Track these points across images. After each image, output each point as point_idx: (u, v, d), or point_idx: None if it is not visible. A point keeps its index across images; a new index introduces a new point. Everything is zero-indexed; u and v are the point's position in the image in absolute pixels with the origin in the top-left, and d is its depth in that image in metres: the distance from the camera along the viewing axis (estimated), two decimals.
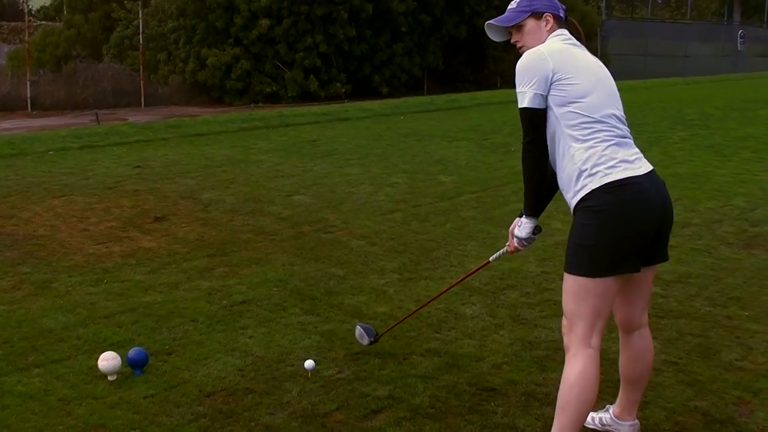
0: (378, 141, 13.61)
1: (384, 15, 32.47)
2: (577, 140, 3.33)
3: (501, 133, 14.55)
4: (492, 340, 4.94)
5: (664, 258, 3.66)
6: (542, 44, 3.48)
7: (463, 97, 20.56)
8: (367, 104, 18.95)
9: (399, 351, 4.75)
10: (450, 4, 34.83)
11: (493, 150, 12.73)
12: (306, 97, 30.39)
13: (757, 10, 56.53)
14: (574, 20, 3.64)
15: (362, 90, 31.98)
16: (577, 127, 3.34)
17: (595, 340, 3.39)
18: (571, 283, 3.39)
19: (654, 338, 4.96)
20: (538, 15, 3.52)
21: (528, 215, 3.73)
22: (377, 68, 33.30)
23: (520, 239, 3.81)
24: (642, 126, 15.51)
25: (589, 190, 3.31)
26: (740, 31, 41.50)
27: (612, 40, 40.39)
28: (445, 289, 4.94)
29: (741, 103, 19.87)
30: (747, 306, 5.59)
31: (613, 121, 3.37)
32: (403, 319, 4.88)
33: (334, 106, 18.62)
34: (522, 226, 3.76)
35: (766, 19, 49.67)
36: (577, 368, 3.33)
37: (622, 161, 3.30)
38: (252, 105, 26.44)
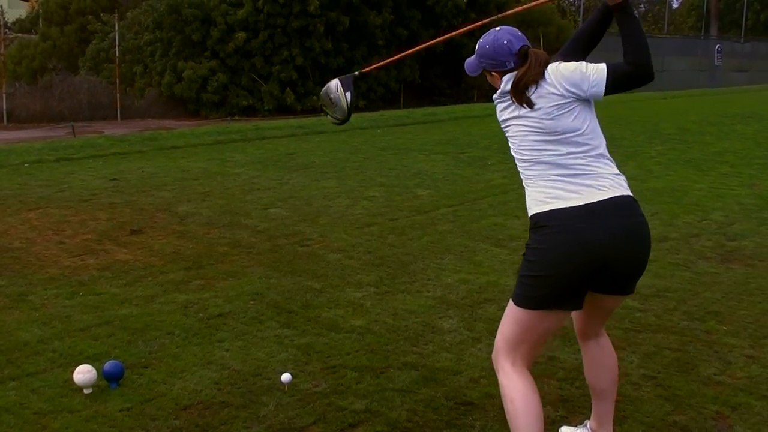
0: (355, 154, 13.61)
1: (361, 28, 32.57)
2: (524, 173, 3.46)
3: (478, 146, 14.59)
4: (469, 353, 4.94)
5: (623, 292, 3.57)
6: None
7: (440, 111, 20.62)
8: None
9: (376, 364, 4.74)
10: (426, 17, 34.97)
11: (469, 164, 12.75)
12: (282, 110, 30.38)
13: (734, 25, 57.15)
14: (535, 52, 3.52)
15: None
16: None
17: (517, 363, 3.48)
18: (507, 305, 3.47)
19: (632, 353, 5.00)
20: (487, 71, 3.53)
21: None
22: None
23: None
24: (619, 140, 15.60)
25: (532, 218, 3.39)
26: (717, 46, 41.91)
27: (589, 55, 40.50)
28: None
29: (718, 118, 20.05)
30: (725, 320, 5.62)
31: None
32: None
33: (310, 119, 18.62)
34: None
35: (743, 34, 50.17)
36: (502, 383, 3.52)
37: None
38: (228, 118, 26.39)
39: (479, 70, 3.53)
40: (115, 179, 11.31)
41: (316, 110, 29.72)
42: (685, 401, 4.30)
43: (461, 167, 12.45)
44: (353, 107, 4.14)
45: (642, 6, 52.88)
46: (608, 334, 5.25)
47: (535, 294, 3.30)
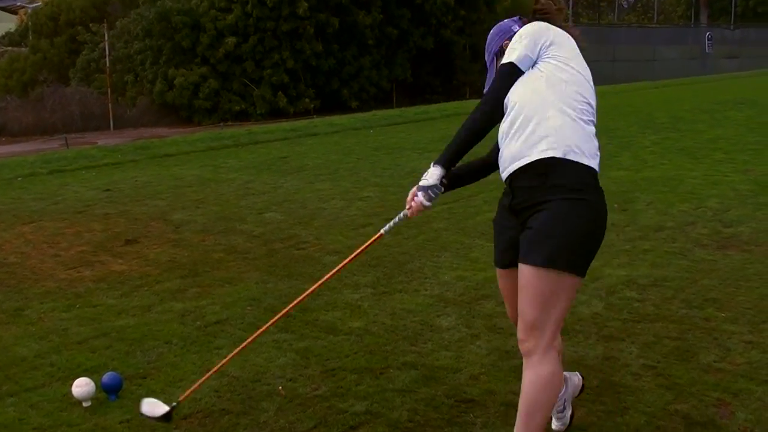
0: (348, 155, 13.60)
1: (350, 29, 32.56)
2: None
3: None
4: (468, 351, 4.92)
5: None
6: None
7: (432, 109, 20.59)
8: (336, 119, 18.95)
9: (375, 365, 4.72)
10: (416, 16, 34.95)
11: (463, 160, 12.73)
12: (275, 113, 30.38)
13: (724, 12, 57.17)
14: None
15: (331, 105, 32.01)
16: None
17: (557, 340, 3.39)
18: (565, 284, 3.21)
19: (631, 343, 4.99)
20: (499, 53, 3.55)
21: (439, 164, 3.52)
22: (345, 82, 33.36)
23: (426, 188, 3.53)
24: (613, 131, 15.59)
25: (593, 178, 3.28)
26: (707, 34, 41.96)
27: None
28: (335, 269, 4.28)
29: (710, 105, 20.04)
30: (723, 307, 5.61)
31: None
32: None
33: (302, 122, 18.59)
34: (429, 174, 3.50)
35: (732, 21, 50.21)
36: (548, 370, 3.26)
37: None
38: (221, 124, 26.38)
39: (493, 60, 3.60)
40: (108, 190, 11.29)
41: (308, 112, 29.73)
42: (686, 389, 4.29)
43: None
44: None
45: None
46: (607, 325, 5.29)
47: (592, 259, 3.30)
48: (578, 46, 3.44)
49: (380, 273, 6.74)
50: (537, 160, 3.22)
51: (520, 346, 3.33)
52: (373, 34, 33.44)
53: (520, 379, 4.42)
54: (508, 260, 3.51)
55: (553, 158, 3.20)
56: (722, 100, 21.55)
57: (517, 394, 4.31)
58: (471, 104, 21.95)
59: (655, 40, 43.77)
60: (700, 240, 7.54)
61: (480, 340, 5.10)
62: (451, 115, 19.09)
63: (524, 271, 3.23)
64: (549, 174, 3.20)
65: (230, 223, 8.88)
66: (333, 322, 5.54)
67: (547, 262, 3.16)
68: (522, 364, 4.04)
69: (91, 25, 33.66)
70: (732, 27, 48.56)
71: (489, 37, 3.64)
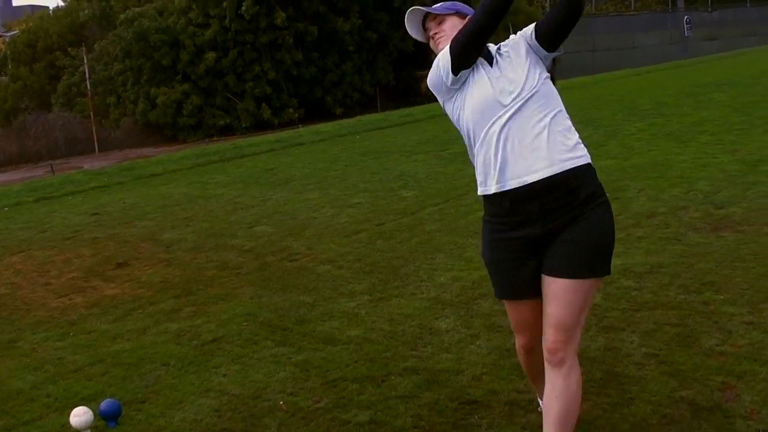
0: (335, 163, 13.55)
1: (330, 36, 32.55)
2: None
3: (458, 142, 14.31)
4: (469, 351, 4.87)
5: None
6: None
7: (417, 111, 20.54)
8: (321, 127, 18.88)
9: (376, 373, 4.66)
10: (395, 18, 34.95)
11: (451, 160, 12.69)
12: (260, 126, 30.35)
13: None
14: None
15: (316, 113, 31.98)
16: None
17: None
18: (596, 286, 3.29)
19: (632, 332, 4.94)
20: (462, 15, 3.50)
21: None
22: (328, 90, 33.35)
23: None
24: (597, 120, 15.58)
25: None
26: (686, 17, 42.03)
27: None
28: None
29: (693, 89, 20.04)
30: (721, 289, 5.57)
31: None
32: None
33: (288, 133, 18.52)
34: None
35: (710, 4, 50.32)
36: (578, 375, 3.25)
37: None
38: (206, 140, 26.30)
39: (449, 11, 3.53)
40: (96, 213, 11.21)
41: (293, 122, 29.68)
42: (690, 375, 4.25)
43: (443, 165, 12.40)
44: None
45: None
46: (606, 316, 5.24)
47: None
48: None
49: (375, 279, 6.68)
50: (569, 171, 3.14)
51: (551, 357, 3.24)
52: (353, 39, 33.46)
53: (522, 376, 4.39)
54: (532, 292, 3.36)
55: (583, 166, 3.16)
56: (705, 82, 21.56)
57: (520, 392, 4.27)
58: None
59: (634, 27, 43.86)
60: (693, 224, 7.50)
61: (480, 339, 5.05)
62: (437, 116, 19.03)
63: (562, 283, 3.18)
64: (582, 186, 3.16)
65: (221, 239, 8.82)
66: (331, 332, 5.47)
67: (589, 272, 3.18)
68: None
69: (69, 49, 33.60)
70: (710, 9, 48.69)
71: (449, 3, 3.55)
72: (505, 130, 3.17)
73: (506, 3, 3.19)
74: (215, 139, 27.56)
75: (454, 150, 13.71)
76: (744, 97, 17.47)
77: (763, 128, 12.96)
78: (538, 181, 3.11)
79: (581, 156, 3.16)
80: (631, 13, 44.61)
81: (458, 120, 3.37)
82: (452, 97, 3.38)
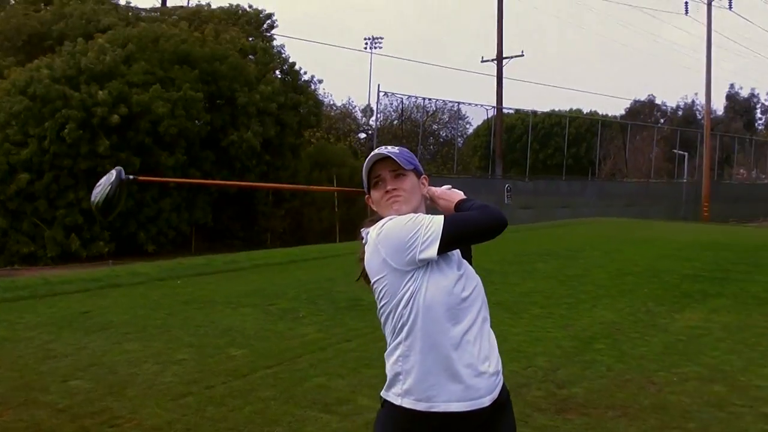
0: (156, 310, 12.75)
1: (152, 170, 31.92)
2: None
3: (286, 297, 14.03)
4: None
5: None
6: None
7: (241, 258, 20.03)
8: (140, 267, 18.03)
9: None
10: (221, 158, 34.82)
11: (280, 317, 12.20)
12: (66, 257, 29.03)
13: (515, 164, 60.35)
14: None
15: (127, 248, 30.98)
16: None
17: None
18: None
19: None
20: (418, 174, 3.25)
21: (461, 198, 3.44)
22: (143, 225, 32.46)
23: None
24: None
25: None
26: (507, 185, 43.69)
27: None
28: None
29: (517, 257, 20.46)
30: None
31: None
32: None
33: (103, 271, 17.54)
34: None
35: (527, 173, 52.78)
36: None
37: None
38: (8, 268, 24.76)
39: (409, 166, 3.39)
40: None
41: (103, 257, 28.48)
42: None
43: (272, 321, 11.89)
44: (109, 204, 3.62)
45: (432, 148, 54.94)
46: None
47: None
48: None
49: None
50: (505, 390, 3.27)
51: None
52: (175, 175, 32.92)
53: None
54: None
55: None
56: (528, 251, 22.12)
57: None
58: (281, 254, 21.64)
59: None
60: (537, 404, 7.39)
61: None
62: (261, 266, 18.62)
63: None
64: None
65: (31, 393, 7.93)
66: None
67: None
68: None
69: None
70: (527, 179, 50.98)
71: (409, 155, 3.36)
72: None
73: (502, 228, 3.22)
74: (17, 268, 26.04)
75: (282, 305, 13.25)
76: (567, 270, 17.96)
77: (590, 303, 13.28)
78: None
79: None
80: (453, 176, 46.08)
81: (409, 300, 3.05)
82: (410, 270, 3.09)
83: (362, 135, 61.52)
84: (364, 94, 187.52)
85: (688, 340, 10.63)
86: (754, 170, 76.84)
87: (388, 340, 3.27)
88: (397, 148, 3.34)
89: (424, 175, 3.45)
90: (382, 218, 3.31)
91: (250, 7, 44.87)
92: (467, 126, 59.42)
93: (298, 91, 41.04)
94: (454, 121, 56.17)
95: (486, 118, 54.53)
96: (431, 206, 3.49)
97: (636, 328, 11.35)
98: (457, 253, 3.26)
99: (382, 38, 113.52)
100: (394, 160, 3.25)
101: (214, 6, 44.11)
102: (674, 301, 13.86)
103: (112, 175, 3.58)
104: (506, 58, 53.73)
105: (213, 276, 16.83)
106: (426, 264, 3.13)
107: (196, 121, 34.37)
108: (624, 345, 10.24)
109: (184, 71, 33.99)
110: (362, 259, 3.32)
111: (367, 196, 3.46)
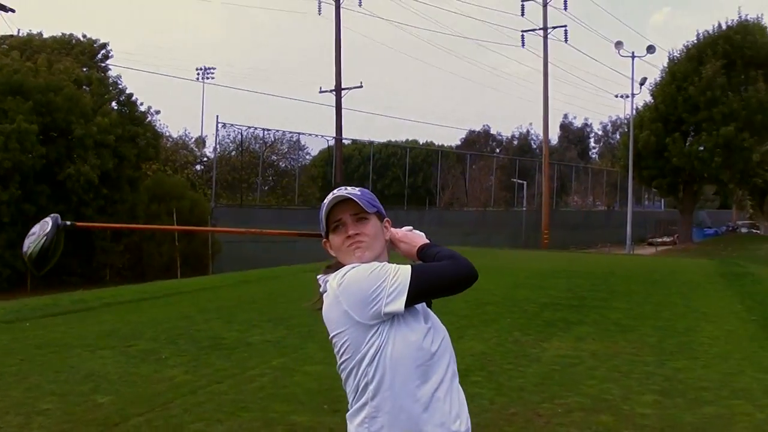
0: (9, 356, 12.00)
1: None
2: None
3: (144, 337, 13.46)
4: None
5: None
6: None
7: (89, 296, 19.20)
8: None
9: None
10: (57, 192, 33.56)
11: (142, 359, 11.71)
12: None
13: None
14: None
15: None
16: None
17: None
18: None
19: None
20: (380, 216, 3.11)
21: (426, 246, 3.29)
22: None
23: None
24: (288, 320, 15.25)
25: None
26: None
27: (223, 227, 40.69)
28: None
29: None
30: None
31: None
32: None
33: None
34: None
35: (405, 204, 53.39)
36: None
37: None
38: None
39: (371, 209, 3.21)
40: None
41: None
42: None
43: (135, 364, 11.39)
44: (45, 255, 3.50)
45: (271, 180, 54.68)
46: None
47: None
48: None
49: None
50: None
51: None
52: (9, 210, 31.49)
53: None
54: None
55: None
56: None
57: None
58: (126, 291, 20.89)
59: (295, 220, 45.17)
60: None
61: None
62: (111, 305, 17.89)
63: None
64: None
65: None
66: None
67: None
68: None
69: None
70: (405, 207, 51.44)
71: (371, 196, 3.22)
72: None
73: (473, 280, 3.02)
74: None
75: (141, 347, 12.73)
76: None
77: (456, 333, 12.75)
78: None
79: None
80: (293, 207, 45.97)
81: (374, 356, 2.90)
82: (374, 324, 2.92)
83: (198, 167, 60.52)
84: (198, 124, 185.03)
85: (563, 370, 10.82)
86: (590, 197, 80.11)
87: (350, 399, 3.07)
88: (358, 189, 3.17)
89: (386, 218, 3.31)
90: (339, 264, 3.15)
91: (84, 36, 43.62)
92: (306, 156, 59.59)
93: (135, 122, 40.03)
94: (293, 152, 56.24)
95: (326, 147, 54.84)
96: (390, 248, 3.33)
97: (508, 359, 11.47)
98: (422, 303, 3.08)
99: (214, 68, 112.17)
100: (356, 202, 3.09)
101: (46, 35, 42.63)
102: (539, 330, 14.13)
103: (47, 223, 3.32)
104: (345, 89, 54.19)
105: (62, 317, 16.05)
106: (391, 317, 2.95)
107: (30, 155, 33.02)
108: (500, 377, 10.32)
109: (17, 102, 32.65)
110: (320, 309, 3.15)
111: (324, 240, 3.30)
